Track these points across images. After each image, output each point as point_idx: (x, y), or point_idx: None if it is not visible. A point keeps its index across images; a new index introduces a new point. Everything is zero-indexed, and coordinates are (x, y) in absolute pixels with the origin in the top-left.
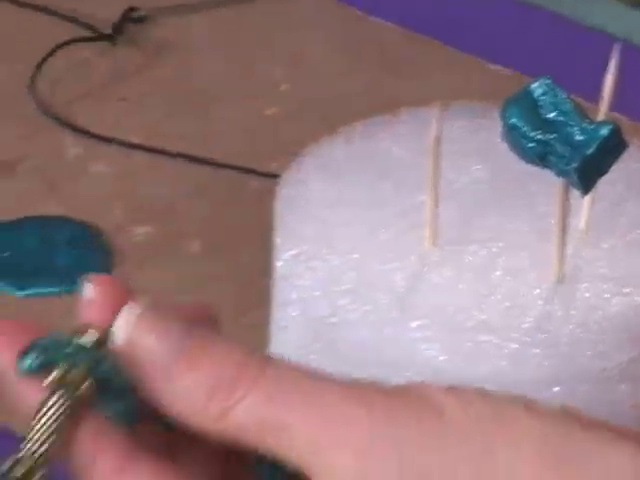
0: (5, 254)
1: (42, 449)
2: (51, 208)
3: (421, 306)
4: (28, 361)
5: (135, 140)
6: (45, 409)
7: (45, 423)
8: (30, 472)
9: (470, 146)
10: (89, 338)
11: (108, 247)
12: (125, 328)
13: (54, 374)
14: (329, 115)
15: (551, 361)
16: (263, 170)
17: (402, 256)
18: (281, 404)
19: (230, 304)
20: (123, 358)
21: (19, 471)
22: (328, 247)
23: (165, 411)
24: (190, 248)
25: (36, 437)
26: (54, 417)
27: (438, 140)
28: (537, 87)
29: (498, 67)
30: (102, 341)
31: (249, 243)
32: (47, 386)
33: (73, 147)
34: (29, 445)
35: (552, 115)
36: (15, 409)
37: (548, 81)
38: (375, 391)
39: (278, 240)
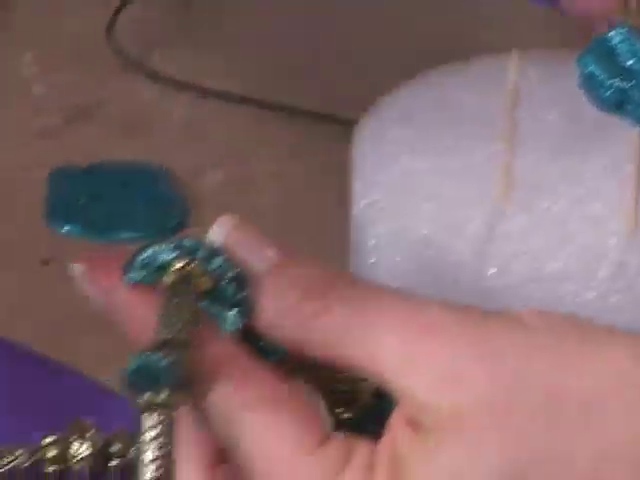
0: (82, 200)
1: (180, 336)
2: (127, 153)
3: (497, 254)
4: (137, 268)
5: (212, 86)
6: (171, 306)
7: (174, 318)
8: (180, 358)
9: (546, 94)
10: (193, 239)
11: (184, 192)
12: (220, 234)
13: (173, 270)
14: (406, 62)
15: (629, 310)
16: (340, 117)
17: (478, 204)
18: (371, 312)
19: (307, 251)
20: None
21: (169, 355)
22: (404, 194)
23: (257, 319)
24: (266, 194)
25: (169, 331)
26: (181, 312)
27: (515, 88)
28: (614, 35)
29: (574, 16)
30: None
31: (326, 190)
32: (169, 284)
33: (149, 92)
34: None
35: (630, 63)
36: (126, 327)
37: (624, 29)
38: (469, 310)
39: (355, 187)
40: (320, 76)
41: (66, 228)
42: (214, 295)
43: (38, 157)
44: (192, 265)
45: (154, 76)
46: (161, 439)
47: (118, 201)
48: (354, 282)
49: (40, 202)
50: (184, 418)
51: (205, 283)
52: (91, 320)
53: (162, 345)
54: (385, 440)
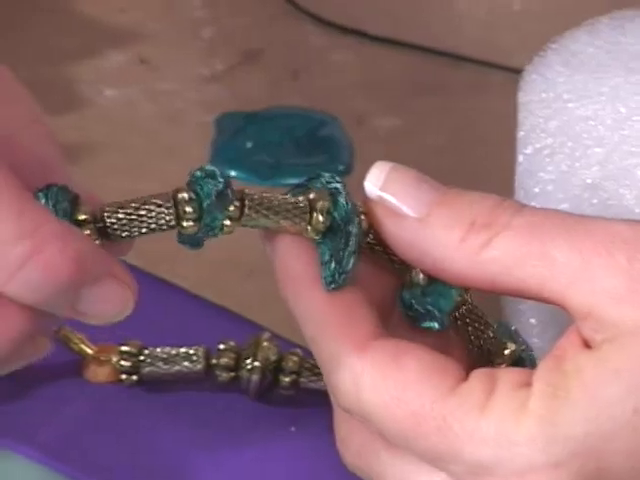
0: (248, 145)
1: None
2: (294, 98)
3: None
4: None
5: (379, 31)
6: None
7: None
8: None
9: None
10: (340, 183)
11: (350, 138)
12: (378, 175)
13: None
14: (574, 9)
15: None
16: (506, 64)
17: None
18: (541, 235)
19: None
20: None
21: None
22: (572, 141)
23: (418, 262)
24: (432, 141)
25: None
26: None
27: None
28: None
29: None
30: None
31: (492, 136)
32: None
33: (317, 37)
34: None
35: None
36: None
37: None
38: None
39: (521, 134)
40: (488, 23)
41: (232, 173)
42: (331, 239)
43: (205, 100)
44: (313, 196)
45: (321, 22)
46: None
47: (284, 146)
48: (520, 208)
49: (207, 145)
50: None
51: (320, 223)
52: (253, 261)
53: None
54: (548, 359)
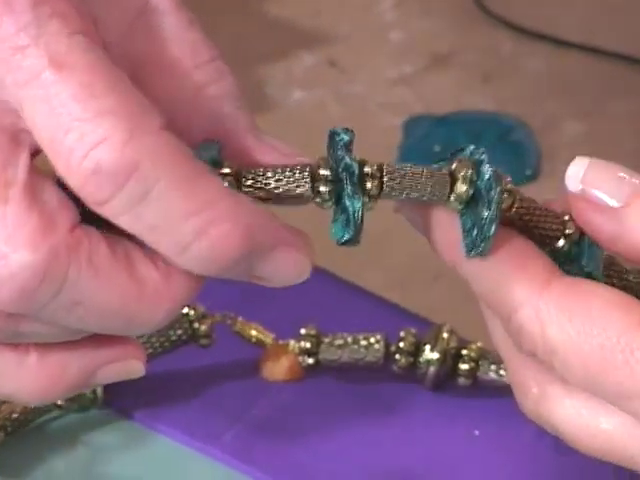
0: (437, 148)
1: None
2: (483, 103)
3: None
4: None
5: (571, 38)
6: None
7: None
8: None
9: None
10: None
11: (538, 144)
12: (579, 170)
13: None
14: None
15: None
16: None
17: None
18: None
19: None
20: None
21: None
22: None
23: (622, 252)
24: (620, 147)
25: None
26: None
27: None
28: None
29: None
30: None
31: None
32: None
33: (508, 42)
34: None
35: None
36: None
37: None
38: None
39: None
40: None
41: None
42: (473, 208)
43: (393, 103)
44: (456, 165)
45: (512, 27)
46: None
47: None
48: None
49: (395, 148)
50: None
51: (464, 191)
52: (439, 266)
53: None
54: None
